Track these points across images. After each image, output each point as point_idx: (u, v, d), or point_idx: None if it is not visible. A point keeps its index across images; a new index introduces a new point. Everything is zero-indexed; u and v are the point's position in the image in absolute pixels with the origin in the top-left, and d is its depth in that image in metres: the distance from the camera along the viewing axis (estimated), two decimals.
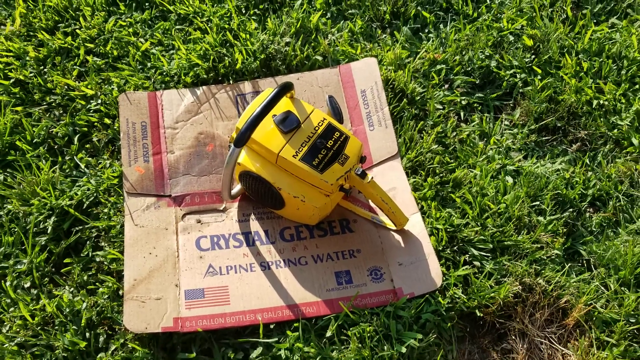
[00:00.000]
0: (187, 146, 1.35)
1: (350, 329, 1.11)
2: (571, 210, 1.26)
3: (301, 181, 1.18)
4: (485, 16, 1.56)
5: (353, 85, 1.43)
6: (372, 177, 1.18)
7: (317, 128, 1.19)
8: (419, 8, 1.58)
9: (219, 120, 1.39)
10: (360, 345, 1.09)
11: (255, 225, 1.26)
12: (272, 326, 1.13)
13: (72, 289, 1.17)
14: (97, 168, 1.31)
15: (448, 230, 1.22)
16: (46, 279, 1.18)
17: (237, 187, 1.28)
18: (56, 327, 1.12)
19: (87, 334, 1.11)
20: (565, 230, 1.23)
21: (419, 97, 1.42)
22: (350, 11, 1.58)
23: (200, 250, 1.22)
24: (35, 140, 1.34)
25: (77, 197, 1.26)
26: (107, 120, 1.37)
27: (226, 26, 1.51)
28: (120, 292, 1.15)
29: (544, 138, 1.38)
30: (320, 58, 1.47)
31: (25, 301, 1.14)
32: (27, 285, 1.17)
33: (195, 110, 1.40)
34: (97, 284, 1.17)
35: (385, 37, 1.53)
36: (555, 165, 1.32)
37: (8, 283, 1.16)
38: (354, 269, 1.20)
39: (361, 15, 1.57)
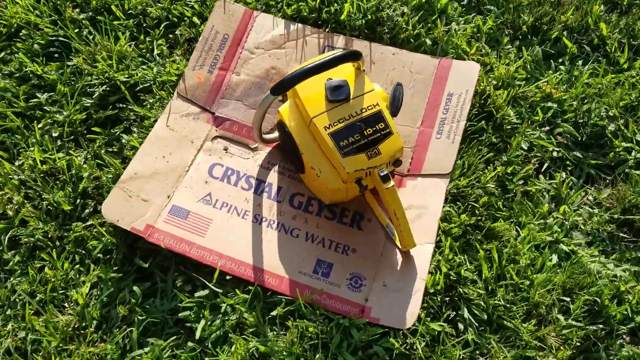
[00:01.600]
0: (254, 74, 1.31)
1: (297, 320, 1.04)
2: (602, 327, 1.04)
3: (323, 155, 1.09)
4: (635, 72, 1.29)
5: (444, 83, 1.28)
6: (393, 185, 1.06)
7: (363, 110, 1.08)
8: (565, 32, 1.35)
9: (296, 63, 1.32)
10: (296, 340, 1.02)
11: (272, 177, 1.21)
12: (228, 277, 1.09)
13: (88, 156, 1.21)
14: (167, 60, 1.32)
15: (451, 277, 1.08)
16: (72, 136, 1.24)
17: (274, 134, 1.23)
18: (56, 182, 1.18)
19: (77, 201, 1.16)
20: (581, 344, 1.03)
21: (508, 127, 1.24)
22: (488, 7, 1.39)
23: (209, 176, 1.20)
24: (130, 11, 1.38)
25: (135, 77, 1.28)
26: (196, 20, 1.37)
27: None
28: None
29: (622, 234, 1.14)
30: (429, 42, 1.33)
31: (46, 147, 1.22)
32: (55, 134, 1.23)
33: (279, 43, 1.34)
34: (108, 162, 1.21)
35: (510, 48, 1.34)
36: (617, 269, 1.09)
37: (40, 125, 1.23)
38: (338, 265, 1.12)
39: (497, 15, 1.38)
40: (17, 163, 1.20)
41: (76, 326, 1.05)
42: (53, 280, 1.09)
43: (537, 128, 1.25)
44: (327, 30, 1.35)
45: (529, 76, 1.30)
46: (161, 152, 1.20)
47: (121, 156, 1.22)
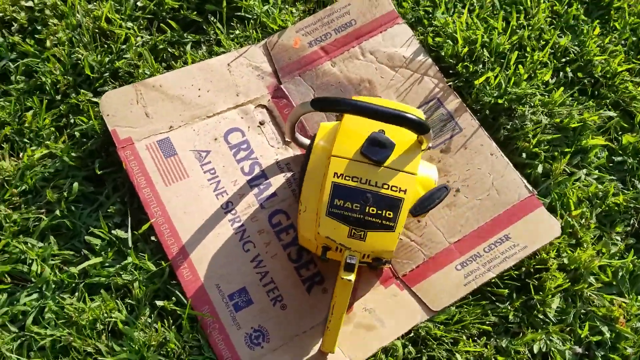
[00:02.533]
0: (347, 76, 1.13)
1: (171, 328, 0.92)
2: None
3: (317, 195, 0.92)
4: None
5: (511, 221, 1.03)
6: (351, 281, 0.87)
7: (385, 186, 0.89)
8: None
9: (393, 93, 1.13)
10: (153, 344, 0.90)
11: (277, 181, 1.06)
12: (153, 238, 0.99)
13: (148, 40, 1.14)
14: (285, 7, 1.20)
15: None
16: (153, 15, 1.17)
17: (307, 141, 1.07)
18: (104, 43, 1.14)
19: (103, 70, 1.11)
20: None
21: (536, 318, 0.97)
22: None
23: (223, 137, 1.08)
24: None
25: (245, 2, 1.18)
26: None
27: None
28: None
29: None
30: (539, 171, 1.07)
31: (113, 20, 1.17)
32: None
33: (395, 64, 1.15)
34: (151, 62, 1.13)
35: (619, 242, 1.04)
36: None
37: None
38: (256, 308, 0.97)
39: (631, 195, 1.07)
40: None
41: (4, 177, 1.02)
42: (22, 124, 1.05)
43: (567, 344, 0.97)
44: (449, 84, 1.13)
45: (606, 285, 1.01)
46: (201, 83, 1.10)
47: (169, 62, 1.13)
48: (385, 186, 0.90)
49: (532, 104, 1.12)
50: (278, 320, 0.97)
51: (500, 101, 1.12)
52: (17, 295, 0.95)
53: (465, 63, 1.14)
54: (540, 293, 0.99)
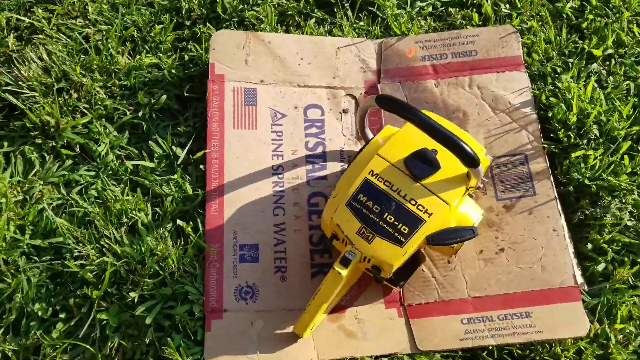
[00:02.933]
0: (446, 101, 1.11)
1: (171, 246, 0.98)
2: None
3: (349, 184, 0.92)
4: None
5: None
6: (341, 275, 0.86)
7: (412, 202, 0.87)
8: None
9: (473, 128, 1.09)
10: (144, 249, 0.97)
11: (333, 167, 1.08)
12: (202, 167, 1.06)
13: None
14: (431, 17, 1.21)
15: None
16: None
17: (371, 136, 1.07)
18: None
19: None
20: None
21: None
22: None
23: (303, 109, 1.11)
24: None
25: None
26: None
27: None
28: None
29: None
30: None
31: None
32: None
33: (502, 108, 1.11)
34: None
35: None
36: None
37: None
38: (259, 268, 0.99)
39: None
40: None
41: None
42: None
43: None
44: (544, 146, 1.07)
45: None
46: (306, 55, 1.15)
47: (289, 27, 1.20)
48: (413, 202, 0.87)
49: (624, 201, 1.02)
50: (272, 288, 0.98)
51: (589, 183, 1.03)
52: (79, 166, 1.07)
53: (570, 133, 1.07)
54: None
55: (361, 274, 0.98)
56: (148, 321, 0.93)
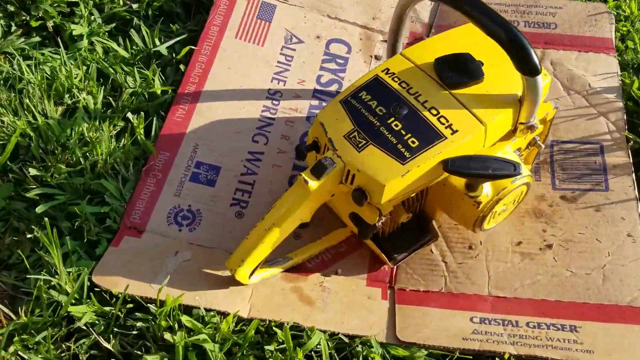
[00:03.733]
0: None
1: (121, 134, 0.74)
2: None
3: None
4: None
5: None
6: (308, 187, 0.59)
7: (432, 112, 0.60)
8: None
9: None
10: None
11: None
12: (182, 68, 0.84)
13: None
14: None
15: None
16: None
17: None
18: None
19: None
20: None
21: None
22: None
23: (327, 41, 0.89)
24: None
25: None
26: None
27: None
28: None
29: None
30: None
31: None
32: None
33: (578, 89, 0.85)
34: None
35: None
36: None
37: None
38: (216, 189, 0.74)
39: None
40: None
41: None
42: None
43: None
44: (629, 139, 0.79)
45: None
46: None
47: None
48: (434, 111, 0.61)
49: None
50: (221, 222, 0.72)
51: None
52: (45, 47, 0.88)
53: None
54: None
55: (345, 236, 0.71)
56: (39, 210, 0.68)
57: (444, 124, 0.60)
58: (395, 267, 0.70)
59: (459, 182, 0.64)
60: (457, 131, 0.60)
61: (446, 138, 0.59)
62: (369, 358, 0.59)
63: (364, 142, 0.60)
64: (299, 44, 0.89)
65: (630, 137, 0.79)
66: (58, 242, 0.63)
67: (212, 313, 0.62)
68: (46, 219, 0.65)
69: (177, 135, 0.78)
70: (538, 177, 0.78)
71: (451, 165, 0.59)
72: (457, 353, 0.59)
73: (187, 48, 0.85)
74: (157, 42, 0.87)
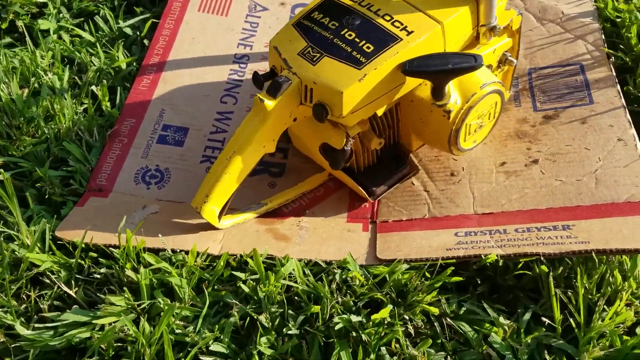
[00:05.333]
0: None
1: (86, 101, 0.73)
2: None
3: None
4: None
5: None
6: (265, 108, 0.56)
7: (385, 19, 0.58)
8: None
9: None
10: None
11: None
12: (146, 42, 0.83)
13: None
14: None
15: None
16: None
17: None
18: None
19: None
20: None
21: None
22: None
23: (292, 6, 0.88)
24: None
25: None
26: None
27: None
28: None
29: None
30: None
31: None
32: None
33: (551, 18, 0.82)
34: None
35: None
36: None
37: None
38: (185, 149, 0.71)
39: None
40: None
41: None
42: None
43: None
44: (609, 56, 0.75)
45: None
46: None
47: None
48: (387, 17, 0.59)
49: None
50: (191, 179, 0.69)
51: None
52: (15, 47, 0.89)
53: None
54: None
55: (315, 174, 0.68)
56: (2, 177, 0.66)
57: (398, 27, 0.58)
58: (376, 202, 0.67)
59: (425, 92, 0.61)
60: (412, 32, 0.57)
61: (401, 39, 0.57)
62: (348, 278, 0.55)
63: (318, 55, 0.58)
64: (264, 11, 0.89)
65: (611, 52, 0.76)
66: (15, 194, 0.61)
67: (180, 255, 0.58)
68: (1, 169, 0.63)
69: (143, 102, 0.77)
70: (518, 103, 0.75)
71: (409, 66, 0.56)
72: (439, 261, 0.54)
73: (150, 22, 0.85)
74: (121, 22, 0.87)
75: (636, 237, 0.53)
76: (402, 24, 0.58)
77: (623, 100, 0.71)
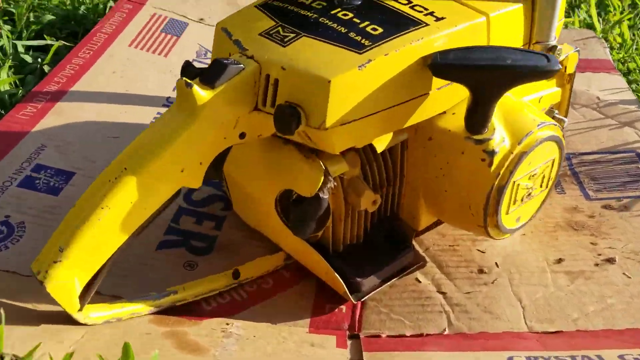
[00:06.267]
0: None
1: None
2: None
3: None
4: None
5: None
6: (206, 99, 0.32)
7: (406, 5, 0.37)
8: None
9: None
10: None
11: None
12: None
13: None
14: None
15: None
16: None
17: None
18: None
19: None
20: None
21: None
22: None
23: None
24: None
25: None
26: None
27: None
28: None
29: None
30: None
31: None
32: None
33: (585, 103, 0.64)
34: None
35: None
36: None
37: None
38: None
39: None
40: None
41: None
42: None
43: None
44: None
45: None
46: None
47: None
48: (404, 1, 0.38)
49: None
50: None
51: None
52: None
53: None
54: None
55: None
56: None
57: (421, 12, 0.37)
58: (359, 304, 0.40)
59: (453, 123, 0.38)
60: (443, 18, 0.36)
61: (427, 24, 0.36)
62: None
63: (293, 35, 0.35)
64: None
65: None
66: None
67: None
68: None
69: (15, 133, 0.51)
70: (561, 189, 0.53)
71: (441, 57, 0.34)
72: None
73: (56, 45, 0.62)
74: (20, 48, 0.64)
75: None
76: (426, 9, 0.37)
77: None
